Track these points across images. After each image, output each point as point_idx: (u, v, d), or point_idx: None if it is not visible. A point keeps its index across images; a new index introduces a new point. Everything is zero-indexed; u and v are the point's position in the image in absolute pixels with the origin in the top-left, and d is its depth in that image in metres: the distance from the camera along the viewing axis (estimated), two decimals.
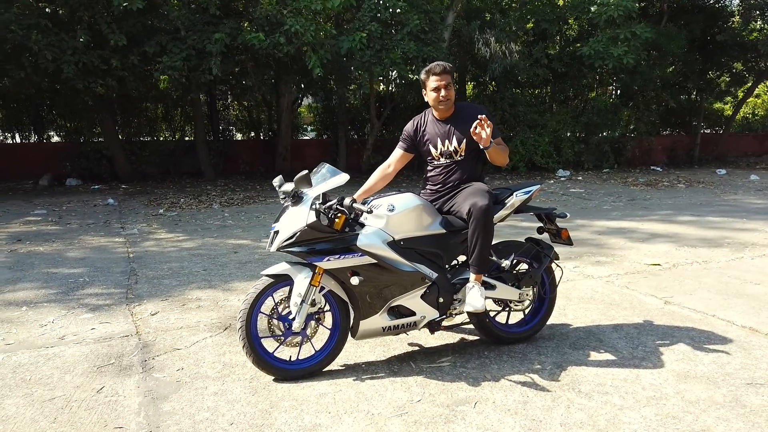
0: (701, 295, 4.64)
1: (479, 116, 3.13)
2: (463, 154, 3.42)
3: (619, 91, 17.61)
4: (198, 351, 3.52)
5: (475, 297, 3.21)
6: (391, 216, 3.19)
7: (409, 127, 3.56)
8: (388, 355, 3.47)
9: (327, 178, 3.13)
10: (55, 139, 16.76)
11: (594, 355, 3.45)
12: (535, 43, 15.33)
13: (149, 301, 4.53)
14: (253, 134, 18.09)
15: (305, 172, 3.02)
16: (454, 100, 3.41)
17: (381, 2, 11.45)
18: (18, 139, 16.47)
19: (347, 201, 3.10)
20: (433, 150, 3.47)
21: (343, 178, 3.11)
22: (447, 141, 3.42)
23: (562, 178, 14.13)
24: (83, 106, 13.34)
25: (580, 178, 14.22)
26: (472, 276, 3.27)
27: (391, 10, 11.51)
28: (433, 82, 3.33)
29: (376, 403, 2.86)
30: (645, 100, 17.01)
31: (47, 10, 10.85)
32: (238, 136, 18.27)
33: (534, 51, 14.81)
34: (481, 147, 3.23)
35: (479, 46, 13.59)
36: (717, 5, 17.55)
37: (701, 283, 4.98)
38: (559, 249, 3.77)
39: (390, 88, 15.53)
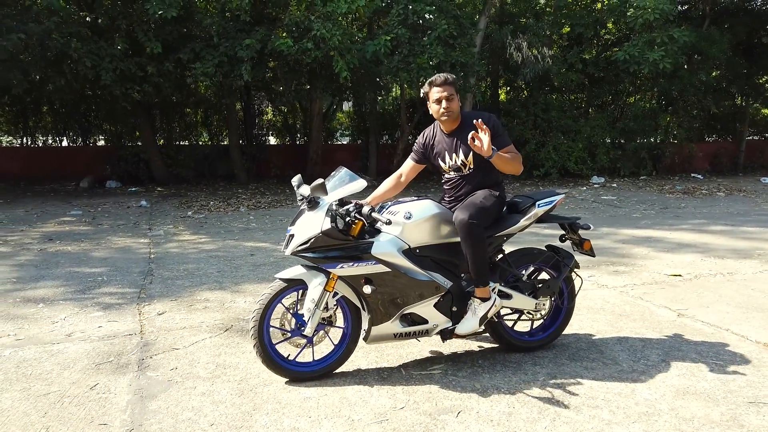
0: (718, 308, 4.45)
1: (475, 122, 3.03)
2: (471, 167, 3.34)
3: (661, 97, 17.08)
4: (195, 351, 3.58)
5: (465, 323, 3.24)
6: (408, 224, 3.16)
7: (419, 140, 3.53)
8: (380, 360, 3.46)
9: (345, 183, 3.11)
10: (101, 142, 17.43)
11: (591, 368, 3.35)
12: (570, 47, 15.06)
13: (159, 301, 4.64)
14: (288, 139, 18.39)
15: (320, 180, 2.98)
16: (459, 111, 3.31)
17: (410, 7, 11.46)
18: (66, 143, 17.21)
19: (366, 209, 3.05)
20: (442, 164, 3.43)
21: (361, 184, 3.08)
22: (454, 155, 3.34)
23: (596, 185, 13.80)
24: (122, 112, 13.82)
25: (615, 185, 13.87)
26: (476, 291, 3.23)
27: (419, 15, 11.51)
28: (435, 93, 3.27)
29: (358, 409, 2.85)
30: (686, 106, 16.47)
31: (87, 18, 11.29)
32: (273, 141, 18.58)
33: (568, 56, 14.54)
34: (485, 157, 3.09)
35: (511, 51, 13.43)
36: (763, 7, 16.87)
37: (721, 296, 4.78)
38: (577, 257, 3.67)
39: (421, 93, 15.53)
